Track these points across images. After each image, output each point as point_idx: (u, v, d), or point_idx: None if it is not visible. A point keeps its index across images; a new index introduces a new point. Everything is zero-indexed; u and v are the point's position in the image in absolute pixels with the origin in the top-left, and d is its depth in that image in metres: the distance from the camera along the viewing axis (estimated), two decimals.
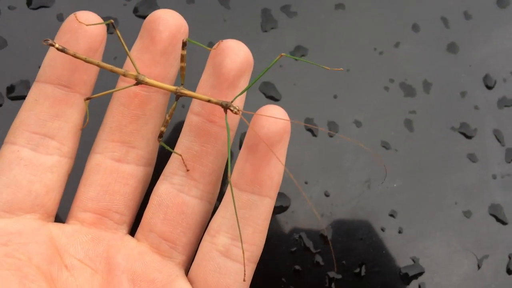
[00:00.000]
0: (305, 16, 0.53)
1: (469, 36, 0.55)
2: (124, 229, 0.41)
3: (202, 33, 0.52)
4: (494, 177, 0.51)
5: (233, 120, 0.40)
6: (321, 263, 0.47)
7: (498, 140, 0.52)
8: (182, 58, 0.39)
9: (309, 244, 0.47)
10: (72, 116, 0.39)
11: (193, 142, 0.40)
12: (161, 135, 0.40)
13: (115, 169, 0.40)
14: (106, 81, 0.43)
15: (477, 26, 0.55)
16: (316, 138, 0.50)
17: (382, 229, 0.48)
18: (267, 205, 0.38)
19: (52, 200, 0.39)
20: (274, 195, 0.39)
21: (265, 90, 0.51)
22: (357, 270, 0.47)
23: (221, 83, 0.39)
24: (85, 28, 0.38)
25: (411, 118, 0.51)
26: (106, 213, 0.40)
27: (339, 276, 0.47)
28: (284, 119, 0.37)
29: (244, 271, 0.38)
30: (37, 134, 0.38)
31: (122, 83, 0.40)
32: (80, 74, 0.39)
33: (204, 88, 0.40)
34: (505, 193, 0.50)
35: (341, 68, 0.43)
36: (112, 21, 0.40)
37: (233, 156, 0.48)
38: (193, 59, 0.49)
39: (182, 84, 0.40)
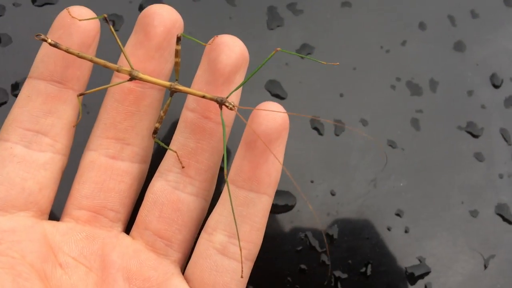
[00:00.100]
0: (311, 14, 0.53)
1: (476, 34, 0.54)
2: (119, 226, 0.40)
3: (207, 31, 0.51)
4: (501, 176, 0.50)
5: (229, 116, 0.39)
6: (327, 262, 0.47)
7: (505, 139, 0.51)
8: (177, 53, 0.38)
9: (315, 243, 0.47)
10: (65, 112, 0.38)
11: (188, 139, 0.39)
12: (155, 131, 0.39)
13: (110, 166, 0.39)
14: (101, 77, 0.42)
15: (484, 25, 0.55)
16: (322, 137, 0.50)
17: (388, 229, 0.48)
18: (264, 202, 0.38)
19: (46, 197, 0.38)
20: (272, 192, 0.38)
21: (271, 88, 0.50)
22: (363, 269, 0.47)
23: (217, 79, 0.38)
24: (78, 23, 0.37)
25: (417, 117, 0.51)
26: (100, 211, 0.39)
27: (345, 276, 0.47)
28: (280, 111, 0.36)
29: (242, 268, 0.37)
30: (30, 130, 0.38)
31: (116, 79, 0.40)
32: (73, 70, 0.38)
33: (199, 84, 0.39)
34: None
35: (337, 63, 0.43)
36: (105, 15, 0.39)
37: (230, 153, 0.47)
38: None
39: (176, 80, 0.39)
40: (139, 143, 0.40)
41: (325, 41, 0.52)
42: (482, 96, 0.52)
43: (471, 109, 0.52)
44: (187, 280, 0.38)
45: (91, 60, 0.38)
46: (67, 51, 0.37)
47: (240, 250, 0.37)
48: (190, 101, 0.39)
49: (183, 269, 0.40)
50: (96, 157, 0.39)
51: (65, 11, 0.37)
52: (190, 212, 0.39)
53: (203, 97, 0.38)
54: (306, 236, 0.47)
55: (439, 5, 0.55)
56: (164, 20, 0.38)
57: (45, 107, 0.38)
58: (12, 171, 0.37)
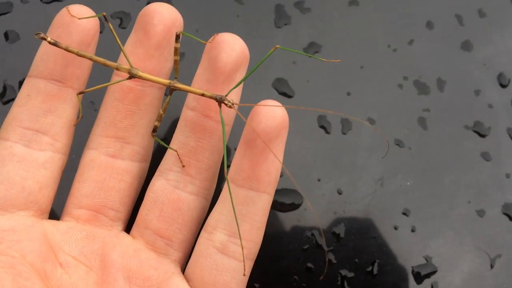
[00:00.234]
0: (318, 12, 0.52)
1: (483, 34, 0.54)
2: (119, 226, 0.39)
3: (214, 28, 0.51)
4: (508, 176, 0.50)
5: (229, 115, 0.39)
6: (334, 261, 0.46)
7: None
8: (176, 51, 0.38)
9: (322, 242, 0.47)
10: (65, 111, 0.38)
11: (188, 138, 0.39)
12: (155, 129, 0.39)
13: (110, 165, 0.39)
14: (101, 76, 0.42)
15: (492, 24, 0.54)
16: (329, 135, 0.49)
17: (395, 228, 0.48)
18: (264, 201, 0.37)
19: (46, 196, 0.38)
20: (272, 191, 0.37)
21: (278, 87, 0.50)
22: (370, 268, 0.46)
23: (217, 77, 0.38)
24: (78, 22, 0.37)
25: (424, 116, 0.51)
26: (101, 210, 0.39)
27: (352, 274, 0.46)
28: (277, 105, 0.35)
29: (244, 265, 0.37)
30: (29, 129, 0.37)
31: (116, 77, 0.39)
32: (73, 69, 0.38)
33: (200, 82, 0.38)
34: None
35: (338, 60, 0.42)
36: (104, 13, 0.38)
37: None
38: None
39: (176, 78, 0.39)
40: (139, 141, 0.39)
41: (333, 40, 0.52)
42: (489, 96, 0.52)
43: (478, 108, 0.51)
44: (187, 280, 0.38)
45: (90, 59, 0.38)
46: (66, 50, 0.37)
47: (242, 248, 0.37)
48: (190, 99, 0.39)
49: (183, 269, 0.39)
50: (96, 156, 0.39)
51: (64, 9, 0.37)
52: (191, 211, 0.39)
53: (202, 95, 0.37)
54: (312, 234, 0.47)
55: (446, 4, 0.54)
56: (164, 18, 0.38)
57: (44, 106, 0.37)
58: (12, 170, 0.37)
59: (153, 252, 0.38)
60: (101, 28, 0.48)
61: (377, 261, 0.47)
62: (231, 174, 0.37)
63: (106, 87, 0.39)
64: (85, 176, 0.39)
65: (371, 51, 0.52)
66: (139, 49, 0.38)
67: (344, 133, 0.49)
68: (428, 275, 0.47)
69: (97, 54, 0.38)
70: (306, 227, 0.47)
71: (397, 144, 0.50)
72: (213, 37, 0.38)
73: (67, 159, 0.39)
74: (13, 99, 0.47)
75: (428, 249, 0.47)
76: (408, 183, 0.49)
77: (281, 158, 0.37)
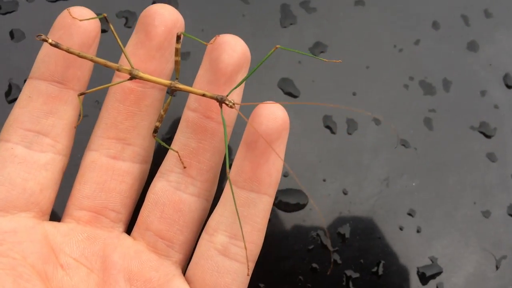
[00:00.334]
0: (324, 12, 0.52)
1: (489, 34, 0.53)
2: (120, 227, 0.39)
3: (219, 28, 0.50)
4: None
5: (230, 115, 0.39)
6: (339, 261, 0.46)
7: None
8: (177, 52, 0.38)
9: (327, 242, 0.46)
10: (66, 113, 0.38)
11: (189, 139, 0.38)
12: (156, 130, 0.38)
13: (111, 167, 0.39)
14: (101, 77, 0.42)
15: (498, 25, 0.54)
16: (335, 135, 0.49)
17: (400, 228, 0.47)
18: (265, 203, 0.37)
19: (47, 198, 0.37)
20: (272, 192, 0.37)
21: (283, 86, 0.50)
22: (375, 269, 0.46)
23: (218, 79, 0.37)
24: (79, 24, 0.37)
25: (430, 116, 0.50)
26: (102, 211, 0.38)
27: (357, 275, 0.46)
28: (284, 103, 0.35)
29: (248, 265, 0.37)
30: (30, 131, 0.37)
31: (117, 78, 0.39)
32: (74, 70, 0.37)
33: (201, 83, 0.38)
34: None
35: (340, 60, 0.42)
36: (105, 14, 0.38)
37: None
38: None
39: (177, 79, 0.39)
40: (140, 143, 0.39)
41: (338, 40, 0.51)
42: (495, 96, 0.51)
43: (484, 109, 0.51)
44: (188, 281, 0.38)
45: (91, 60, 0.37)
46: (67, 51, 0.37)
47: (245, 247, 0.36)
48: (191, 100, 0.39)
49: (184, 270, 0.39)
50: (97, 157, 0.39)
51: (65, 11, 0.37)
52: (192, 212, 0.38)
53: (203, 95, 0.37)
54: (318, 235, 0.46)
55: (452, 4, 0.54)
56: (165, 20, 0.37)
57: (46, 108, 0.37)
58: (13, 172, 0.36)
59: (154, 253, 0.38)
60: (105, 28, 0.48)
61: (382, 261, 0.46)
62: (232, 175, 0.37)
63: (107, 88, 0.39)
64: (86, 178, 0.39)
65: (376, 51, 0.52)
66: (140, 50, 0.38)
67: (349, 133, 0.49)
68: (433, 276, 0.47)
69: (98, 55, 0.38)
70: (311, 227, 0.47)
71: (403, 145, 0.49)
72: (214, 38, 0.38)
73: (68, 160, 0.39)
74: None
75: (434, 250, 0.47)
76: (413, 184, 0.48)
77: (282, 158, 0.37)
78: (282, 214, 0.47)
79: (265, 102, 0.36)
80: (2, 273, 0.34)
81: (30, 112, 0.37)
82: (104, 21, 0.39)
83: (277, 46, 0.38)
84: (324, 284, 0.45)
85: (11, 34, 0.48)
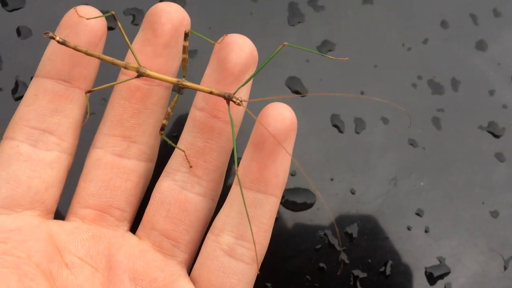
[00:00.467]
0: (332, 10, 0.51)
1: (498, 33, 0.53)
2: (125, 226, 0.39)
3: (228, 26, 0.50)
4: None
5: (237, 115, 0.38)
6: (346, 261, 0.46)
7: None
8: (184, 49, 0.37)
9: (334, 241, 0.46)
10: (72, 111, 0.37)
11: (196, 138, 0.38)
12: (162, 128, 0.38)
13: (116, 164, 0.38)
14: (107, 75, 0.41)
15: (506, 24, 0.53)
16: (343, 135, 0.48)
17: (408, 228, 0.47)
18: (272, 204, 0.37)
19: (52, 196, 0.37)
20: (279, 193, 0.37)
21: (291, 85, 0.49)
22: (382, 268, 0.46)
23: (226, 78, 0.37)
24: (86, 22, 0.37)
25: (439, 116, 0.50)
26: (107, 210, 0.38)
27: (364, 275, 0.45)
28: (290, 95, 0.35)
29: (257, 260, 0.36)
30: (36, 129, 0.37)
31: (123, 76, 0.39)
32: (80, 69, 0.37)
33: (208, 83, 0.38)
34: None
35: (347, 58, 0.42)
36: (113, 12, 0.38)
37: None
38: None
39: (184, 76, 0.38)
40: (146, 141, 0.39)
41: (346, 38, 0.51)
42: (504, 96, 0.51)
43: (492, 108, 0.50)
44: (194, 282, 0.37)
45: (98, 57, 0.37)
46: (75, 49, 0.36)
47: (254, 244, 0.36)
48: (198, 100, 0.38)
49: (189, 270, 0.38)
50: (102, 155, 0.38)
51: (72, 10, 0.37)
52: (198, 212, 0.38)
53: (211, 93, 0.37)
54: (325, 234, 0.46)
55: (461, 3, 0.53)
56: (172, 18, 0.37)
57: (51, 106, 0.37)
58: (18, 170, 0.36)
59: (160, 253, 0.38)
60: (112, 25, 0.47)
61: (390, 261, 0.46)
62: (239, 176, 0.37)
63: (113, 86, 0.39)
64: (91, 176, 0.38)
65: (385, 50, 0.51)
66: (147, 48, 0.38)
67: (357, 132, 0.48)
68: (441, 276, 0.46)
69: (104, 53, 0.38)
70: (318, 227, 0.46)
71: (411, 144, 0.49)
72: (222, 37, 0.38)
73: (73, 159, 0.39)
74: None
75: (442, 250, 0.46)
76: (421, 183, 0.48)
77: (289, 160, 0.36)
78: (289, 213, 0.46)
79: (273, 103, 0.36)
80: (6, 271, 0.33)
81: (36, 110, 0.37)
82: (111, 18, 0.39)
83: (285, 43, 0.37)
84: (332, 284, 0.45)
85: (18, 31, 0.48)
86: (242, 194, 0.35)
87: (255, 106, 0.38)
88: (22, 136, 0.37)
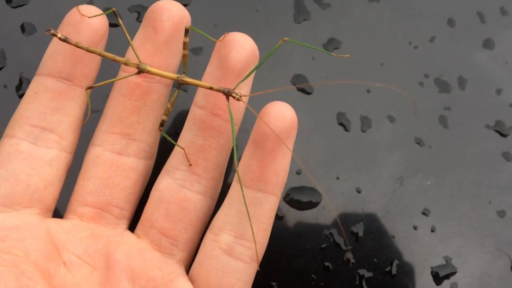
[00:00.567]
0: (338, 8, 0.51)
1: (505, 32, 0.52)
2: (124, 224, 0.38)
3: (233, 23, 0.49)
4: None
5: (238, 113, 0.38)
6: (352, 260, 0.45)
7: None
8: (185, 45, 0.37)
9: (340, 240, 0.45)
10: (73, 110, 0.37)
11: (196, 136, 0.38)
12: (162, 124, 0.38)
13: (115, 162, 0.38)
14: (107, 72, 0.41)
15: None
16: (349, 133, 0.48)
17: (415, 228, 0.46)
18: (271, 202, 0.36)
19: (51, 195, 0.37)
20: (279, 192, 0.37)
21: (297, 83, 0.49)
22: (388, 268, 0.45)
23: (227, 76, 0.37)
24: (88, 21, 0.36)
25: (445, 114, 0.49)
26: (106, 207, 0.38)
27: (370, 274, 0.45)
28: (291, 88, 0.35)
29: (257, 255, 0.36)
30: (36, 127, 0.36)
31: (123, 73, 0.38)
32: (81, 67, 0.37)
33: (209, 80, 0.38)
34: None
35: (348, 55, 0.42)
36: (114, 9, 0.38)
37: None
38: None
39: (184, 72, 0.38)
40: (145, 138, 0.38)
41: (352, 36, 0.50)
42: (511, 95, 0.51)
43: (499, 107, 0.50)
44: (192, 281, 0.37)
45: (100, 54, 0.37)
46: (76, 46, 0.36)
47: (255, 243, 0.36)
48: (199, 98, 0.38)
49: (187, 269, 0.38)
50: (101, 152, 0.38)
51: (74, 9, 0.37)
52: (197, 211, 0.38)
53: (210, 88, 0.36)
54: (331, 233, 0.45)
55: (468, 1, 0.53)
56: (173, 15, 0.37)
57: (52, 104, 0.37)
58: (17, 167, 0.36)
59: (158, 252, 0.37)
60: (116, 22, 0.47)
61: (396, 261, 0.45)
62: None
63: (113, 83, 0.38)
64: (90, 173, 0.38)
65: (391, 48, 0.50)
66: (148, 45, 0.38)
67: (363, 131, 0.48)
68: (447, 276, 0.46)
69: (105, 49, 0.38)
70: (323, 226, 0.46)
71: (418, 143, 0.48)
72: (223, 35, 0.37)
73: (73, 157, 0.38)
74: None
75: (448, 250, 0.46)
76: (428, 183, 0.47)
77: (289, 159, 0.36)
78: (294, 212, 0.46)
79: (273, 102, 0.35)
80: (4, 270, 0.33)
81: (36, 108, 0.37)
82: (114, 15, 0.39)
83: (285, 38, 0.37)
84: (337, 283, 0.44)
85: (22, 28, 0.48)
86: (243, 191, 0.35)
87: (257, 103, 0.38)
88: (22, 134, 0.36)
